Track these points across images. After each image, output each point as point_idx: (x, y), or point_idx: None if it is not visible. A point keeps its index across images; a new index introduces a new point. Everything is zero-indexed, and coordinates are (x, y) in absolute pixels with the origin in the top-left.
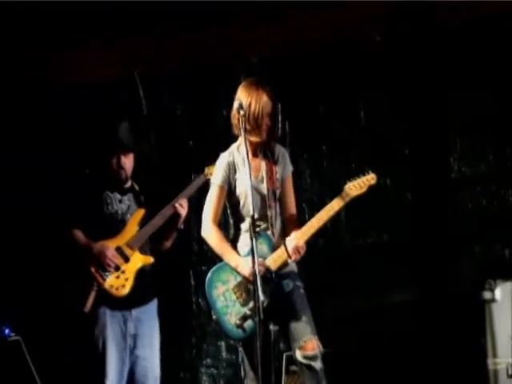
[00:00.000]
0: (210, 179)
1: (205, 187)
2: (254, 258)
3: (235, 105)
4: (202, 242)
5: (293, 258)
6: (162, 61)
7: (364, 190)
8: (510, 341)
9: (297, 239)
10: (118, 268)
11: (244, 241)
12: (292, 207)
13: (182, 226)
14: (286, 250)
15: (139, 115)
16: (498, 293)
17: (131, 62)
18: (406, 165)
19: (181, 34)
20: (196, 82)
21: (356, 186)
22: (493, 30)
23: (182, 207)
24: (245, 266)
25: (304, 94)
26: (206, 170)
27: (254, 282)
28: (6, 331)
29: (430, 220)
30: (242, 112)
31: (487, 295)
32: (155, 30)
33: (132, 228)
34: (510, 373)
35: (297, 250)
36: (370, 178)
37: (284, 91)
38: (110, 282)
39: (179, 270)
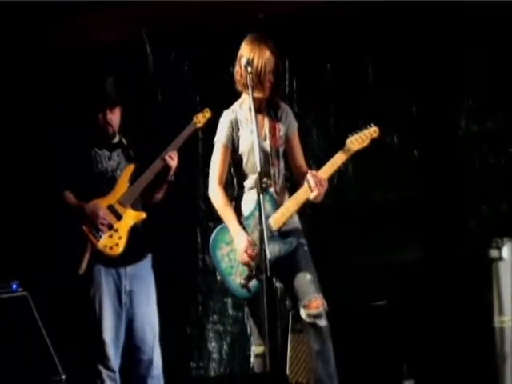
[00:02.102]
0: (198, 128)
1: (202, 140)
2: (260, 214)
3: (242, 61)
4: (209, 199)
5: (315, 191)
6: (168, 18)
7: (366, 143)
8: None
9: (318, 174)
10: (110, 227)
11: (247, 199)
12: (302, 161)
13: (173, 178)
14: (309, 184)
15: (146, 72)
16: (505, 251)
17: (138, 20)
18: (414, 122)
19: None
20: (203, 38)
21: (358, 140)
22: None
23: (172, 159)
24: (240, 242)
25: (311, 51)
26: (194, 119)
27: (261, 240)
28: (14, 286)
29: (438, 178)
30: (249, 69)
31: (494, 253)
32: None
33: (123, 185)
34: None
35: (320, 182)
36: (372, 131)
37: (291, 48)
38: (104, 241)
39: (185, 226)
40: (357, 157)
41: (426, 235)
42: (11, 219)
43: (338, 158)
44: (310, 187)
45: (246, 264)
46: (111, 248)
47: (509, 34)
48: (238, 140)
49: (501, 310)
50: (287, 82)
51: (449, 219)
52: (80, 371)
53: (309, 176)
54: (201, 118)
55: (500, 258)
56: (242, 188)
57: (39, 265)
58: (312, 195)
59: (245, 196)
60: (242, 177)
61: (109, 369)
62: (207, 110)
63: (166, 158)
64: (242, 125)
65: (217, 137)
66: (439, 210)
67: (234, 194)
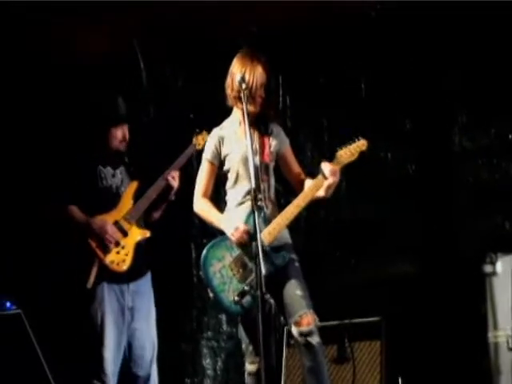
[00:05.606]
0: (198, 149)
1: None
2: (256, 231)
3: (236, 77)
4: None
5: (330, 179)
6: (163, 33)
7: (355, 156)
8: (510, 314)
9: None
10: (117, 243)
11: (237, 214)
12: (300, 173)
13: (174, 198)
14: (323, 173)
15: (139, 87)
16: (498, 266)
17: (131, 34)
18: (408, 138)
19: (181, 5)
20: (197, 53)
21: (347, 153)
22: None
23: (174, 179)
24: (229, 227)
25: (304, 67)
26: (194, 140)
27: (256, 255)
28: (8, 304)
29: (432, 193)
30: (244, 85)
31: (488, 268)
32: (156, 1)
33: (127, 201)
34: (510, 345)
35: (333, 171)
36: (360, 144)
37: (284, 64)
38: (111, 257)
39: (180, 242)
40: (350, 172)
41: (419, 250)
42: (7, 234)
43: None
44: (324, 175)
45: (241, 243)
46: (118, 264)
47: (502, 50)
48: (226, 156)
49: (495, 325)
50: (281, 98)
51: (442, 234)
52: None
53: (323, 166)
54: (200, 140)
55: (494, 273)
56: (231, 203)
57: (37, 279)
58: (326, 183)
59: (234, 212)
60: (231, 192)
61: None
62: (206, 132)
63: (169, 178)
64: (231, 140)
65: (204, 153)
66: (433, 225)
67: (224, 210)
